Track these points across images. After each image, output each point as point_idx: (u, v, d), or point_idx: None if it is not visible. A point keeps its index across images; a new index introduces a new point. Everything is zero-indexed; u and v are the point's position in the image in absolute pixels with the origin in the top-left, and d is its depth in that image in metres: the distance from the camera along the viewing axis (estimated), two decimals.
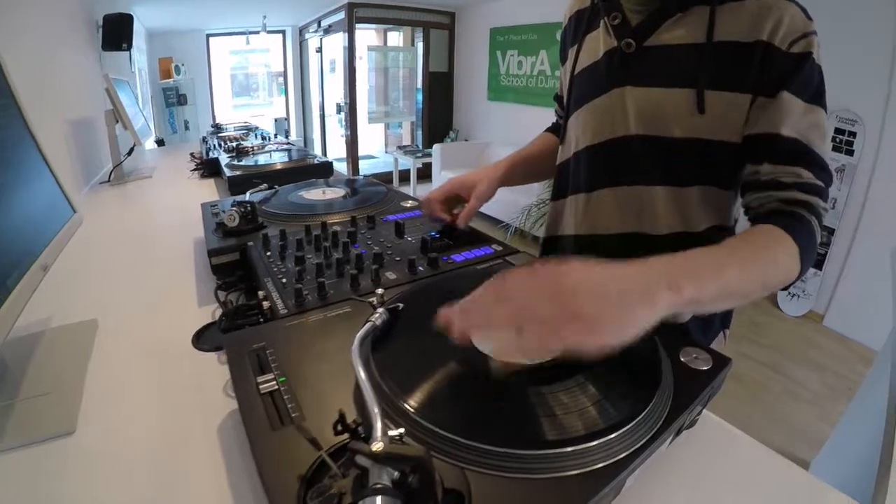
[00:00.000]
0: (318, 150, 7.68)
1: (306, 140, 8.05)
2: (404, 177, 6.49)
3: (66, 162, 1.94)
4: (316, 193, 1.20)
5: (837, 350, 3.05)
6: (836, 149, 3.22)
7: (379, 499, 0.29)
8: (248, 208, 0.99)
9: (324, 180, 1.37)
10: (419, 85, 6.80)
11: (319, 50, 7.04)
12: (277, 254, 0.86)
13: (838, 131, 3.20)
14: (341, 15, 5.95)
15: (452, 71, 6.81)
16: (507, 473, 0.39)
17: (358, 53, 6.25)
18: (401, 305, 0.58)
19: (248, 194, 1.19)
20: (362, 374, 0.42)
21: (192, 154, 2.46)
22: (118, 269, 1.14)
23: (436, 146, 5.80)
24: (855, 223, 3.19)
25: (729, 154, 0.73)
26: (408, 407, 0.44)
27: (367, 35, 6.96)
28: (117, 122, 2.12)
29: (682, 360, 0.54)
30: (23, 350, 0.75)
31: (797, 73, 0.67)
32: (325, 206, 1.12)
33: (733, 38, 0.69)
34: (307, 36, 7.34)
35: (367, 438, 0.36)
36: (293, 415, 0.46)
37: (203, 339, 0.79)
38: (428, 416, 0.43)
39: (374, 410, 0.38)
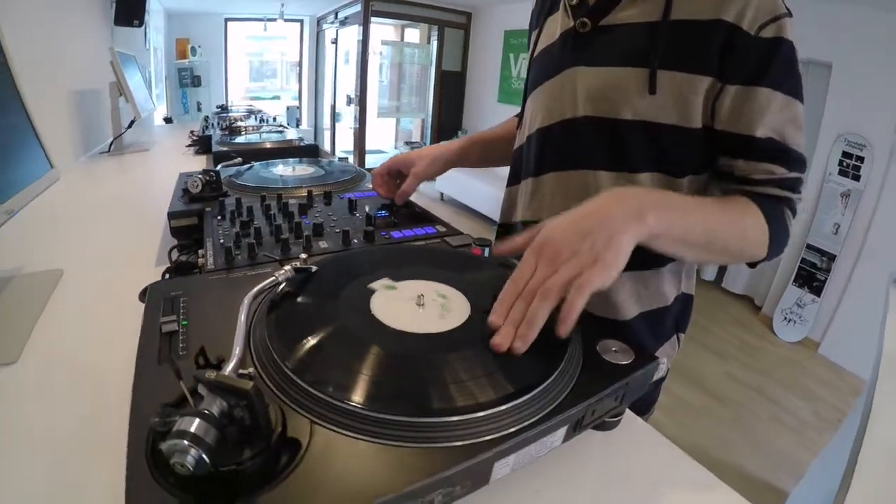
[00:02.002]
0: (326, 141, 7.72)
1: (317, 130, 8.07)
2: None
3: (67, 130, 2.00)
4: (285, 170, 1.22)
5: (830, 379, 2.97)
6: (842, 173, 3.19)
7: (196, 421, 0.30)
8: (213, 177, 1.00)
9: (300, 159, 1.38)
10: (431, 83, 6.82)
11: (335, 41, 7.06)
12: (228, 219, 0.88)
13: (846, 155, 3.17)
14: (358, 7, 5.98)
15: (465, 71, 6.82)
16: (352, 434, 0.37)
17: (373, 47, 6.28)
18: (314, 268, 0.59)
19: (219, 166, 1.21)
20: (242, 317, 0.43)
21: (191, 132, 2.51)
22: (95, 228, 1.21)
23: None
24: (857, 251, 3.14)
25: (680, 139, 0.69)
26: (273, 352, 0.44)
27: (384, 30, 6.97)
28: (120, 95, 2.17)
29: (598, 351, 0.51)
30: None
31: (771, 62, 0.63)
32: (288, 180, 1.14)
33: (692, 16, 0.65)
34: (324, 26, 7.37)
35: None
36: (181, 353, 0.47)
37: None
38: (291, 365, 0.43)
39: (236, 350, 0.38)
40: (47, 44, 1.86)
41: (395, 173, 1.02)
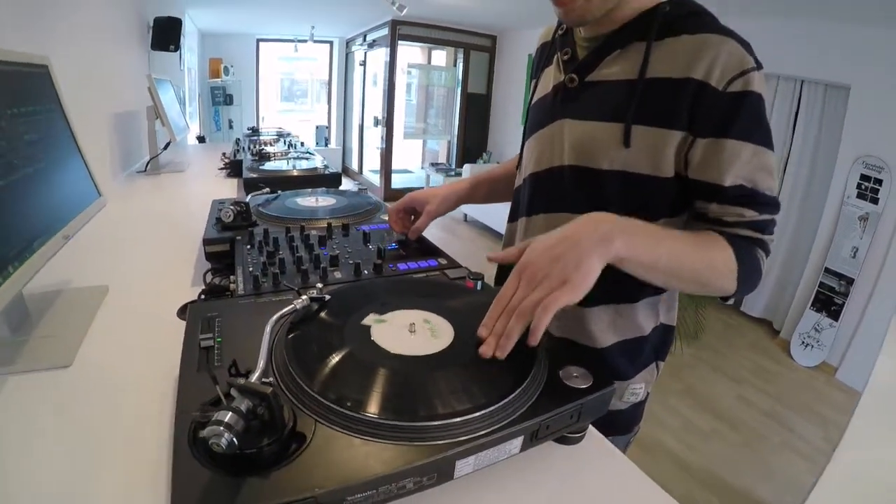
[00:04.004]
0: (355, 161, 7.95)
1: (345, 149, 8.34)
2: None
3: (107, 150, 2.14)
4: (309, 201, 1.33)
5: (847, 405, 2.92)
6: (860, 196, 3.20)
7: (230, 413, 0.41)
8: (243, 207, 1.13)
9: (323, 189, 1.51)
10: (457, 105, 6.98)
11: (363, 63, 7.30)
12: (256, 248, 0.99)
13: (864, 178, 3.19)
14: (385, 31, 6.19)
15: (490, 93, 6.98)
16: (346, 432, 0.47)
17: (400, 68, 6.47)
18: (327, 297, 0.70)
19: (248, 196, 1.34)
20: (265, 337, 0.54)
21: (223, 154, 2.62)
22: (135, 248, 1.34)
23: (466, 166, 6.00)
24: (875, 274, 3.14)
25: (653, 187, 0.75)
26: (289, 366, 0.55)
27: (411, 51, 7.16)
28: (157, 118, 2.32)
29: (560, 375, 0.58)
30: (44, 302, 0.92)
31: (738, 115, 0.67)
32: (311, 212, 1.25)
33: (665, 74, 0.71)
34: (353, 48, 7.64)
35: None
36: (217, 364, 0.58)
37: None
38: (302, 377, 0.53)
39: (260, 363, 0.50)
40: (90, 70, 2.00)
41: (411, 210, 1.10)
